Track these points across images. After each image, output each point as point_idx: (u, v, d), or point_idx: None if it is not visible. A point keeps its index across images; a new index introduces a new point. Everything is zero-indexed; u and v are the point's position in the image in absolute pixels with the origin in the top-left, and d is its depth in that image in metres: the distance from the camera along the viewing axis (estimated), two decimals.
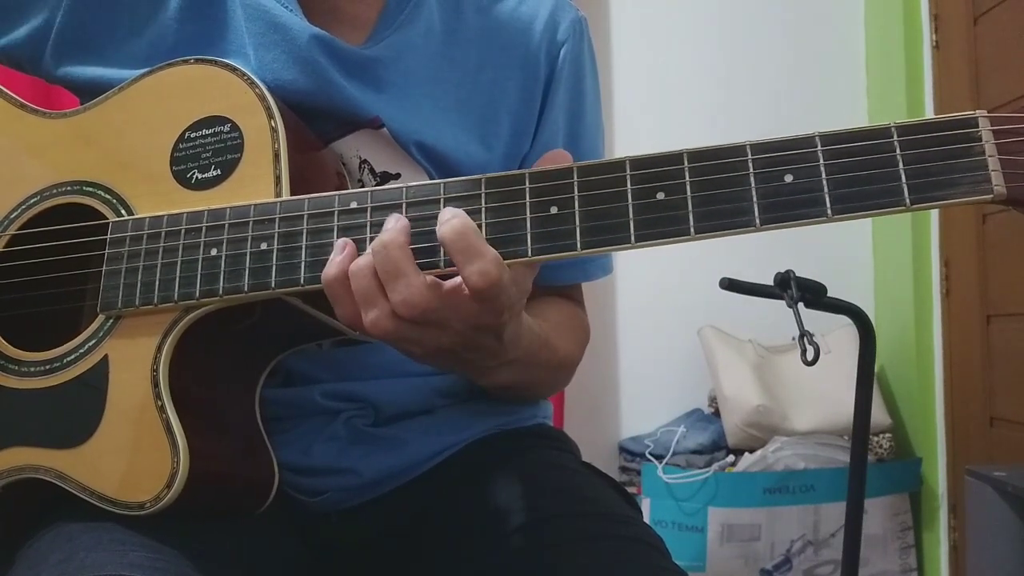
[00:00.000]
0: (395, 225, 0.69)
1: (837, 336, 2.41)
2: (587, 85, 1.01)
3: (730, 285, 1.39)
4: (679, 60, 2.86)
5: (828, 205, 0.64)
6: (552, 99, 0.98)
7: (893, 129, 0.64)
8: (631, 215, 0.67)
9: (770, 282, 1.32)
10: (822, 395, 2.41)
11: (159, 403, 0.73)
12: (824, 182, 0.64)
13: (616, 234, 0.67)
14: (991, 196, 0.62)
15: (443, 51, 0.94)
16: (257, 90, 0.79)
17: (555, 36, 0.98)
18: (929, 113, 2.50)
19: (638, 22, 2.86)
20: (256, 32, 0.89)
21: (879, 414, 2.46)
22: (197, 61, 0.82)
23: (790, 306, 1.26)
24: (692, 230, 0.66)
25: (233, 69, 0.81)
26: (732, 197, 0.65)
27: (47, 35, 0.92)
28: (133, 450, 0.74)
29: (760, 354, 2.57)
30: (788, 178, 0.65)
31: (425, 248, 0.70)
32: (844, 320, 1.48)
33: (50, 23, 0.91)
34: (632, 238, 0.66)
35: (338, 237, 0.72)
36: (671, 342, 2.74)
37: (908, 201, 0.63)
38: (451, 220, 0.68)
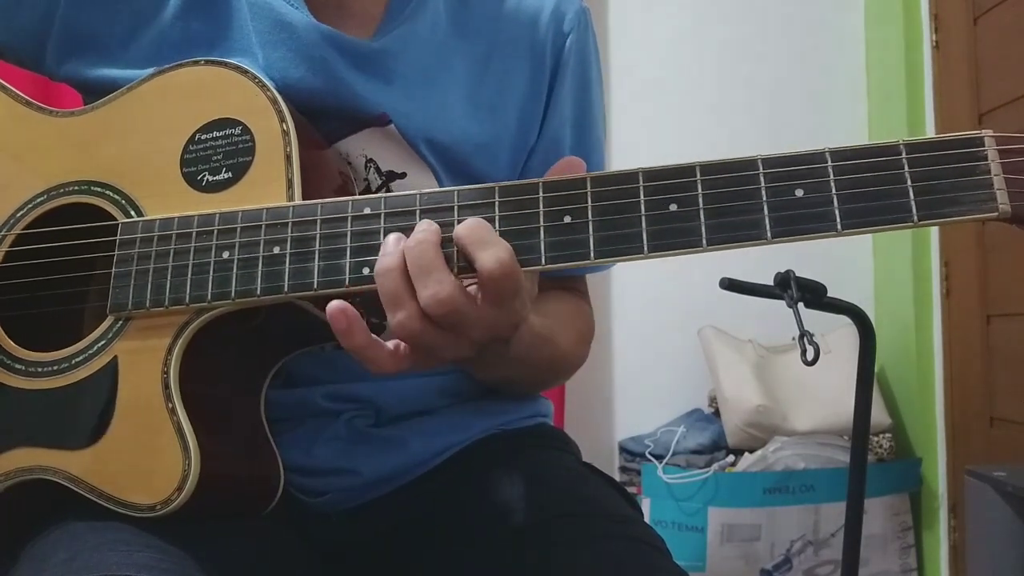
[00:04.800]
0: (428, 227, 0.70)
1: (837, 336, 2.41)
2: (592, 75, 1.02)
3: (730, 285, 1.39)
4: (678, 60, 2.86)
5: (838, 220, 0.65)
6: (558, 90, 0.98)
7: (902, 147, 0.65)
8: (644, 226, 0.67)
9: (770, 282, 1.32)
10: (822, 395, 2.41)
11: (170, 405, 0.73)
12: (834, 197, 0.65)
13: (629, 244, 0.67)
14: (996, 214, 0.63)
15: (450, 42, 0.95)
16: (268, 93, 0.79)
17: (561, 27, 0.99)
18: (929, 114, 2.50)
19: (637, 22, 2.86)
20: (262, 31, 0.89)
21: (879, 414, 2.46)
22: (207, 63, 0.82)
23: (790, 306, 1.27)
24: (704, 242, 0.66)
25: (244, 71, 0.80)
26: (744, 210, 0.66)
27: (47, 32, 0.91)
28: (143, 452, 0.74)
29: (760, 354, 2.58)
30: (799, 192, 0.66)
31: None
32: (844, 320, 1.49)
33: (50, 20, 0.91)
34: (645, 248, 0.67)
35: (352, 242, 0.72)
36: (671, 342, 2.75)
37: (916, 217, 0.64)
38: (464, 221, 0.69)
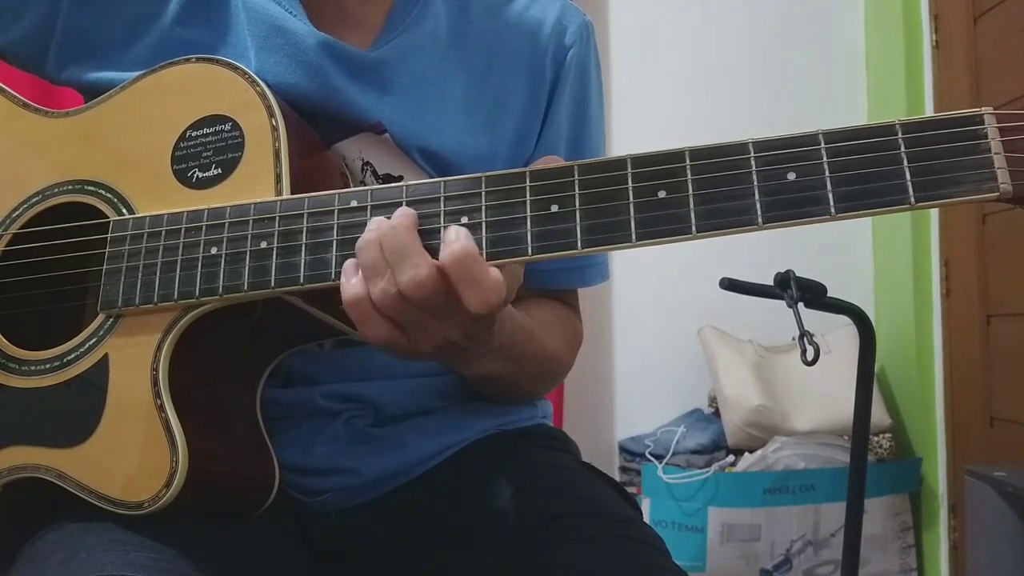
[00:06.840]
0: (402, 211, 0.70)
1: (837, 336, 2.41)
2: (592, 90, 1.01)
3: (730, 285, 1.39)
4: (678, 60, 2.86)
5: (831, 203, 0.63)
6: (557, 103, 0.98)
7: (897, 126, 0.63)
8: (632, 213, 0.66)
9: (770, 282, 1.32)
10: (822, 395, 2.41)
11: (158, 402, 0.73)
12: (827, 180, 0.64)
13: (617, 232, 0.67)
14: (997, 194, 0.61)
15: (450, 53, 0.94)
16: (258, 88, 0.79)
17: (562, 40, 0.98)
18: (929, 113, 2.50)
19: (637, 22, 2.86)
20: (258, 35, 0.88)
21: (879, 414, 2.46)
22: (198, 60, 0.82)
23: (790, 306, 1.27)
24: (693, 229, 0.65)
25: (234, 68, 0.81)
26: (734, 195, 0.65)
27: (48, 38, 0.92)
28: (133, 449, 0.74)
29: (760, 354, 2.57)
30: (791, 176, 0.64)
31: (425, 246, 0.69)
32: (844, 320, 1.49)
33: (51, 26, 0.91)
34: (633, 237, 0.66)
35: (338, 235, 0.72)
36: (671, 342, 2.74)
37: (913, 199, 0.62)
38: (452, 244, 0.68)
